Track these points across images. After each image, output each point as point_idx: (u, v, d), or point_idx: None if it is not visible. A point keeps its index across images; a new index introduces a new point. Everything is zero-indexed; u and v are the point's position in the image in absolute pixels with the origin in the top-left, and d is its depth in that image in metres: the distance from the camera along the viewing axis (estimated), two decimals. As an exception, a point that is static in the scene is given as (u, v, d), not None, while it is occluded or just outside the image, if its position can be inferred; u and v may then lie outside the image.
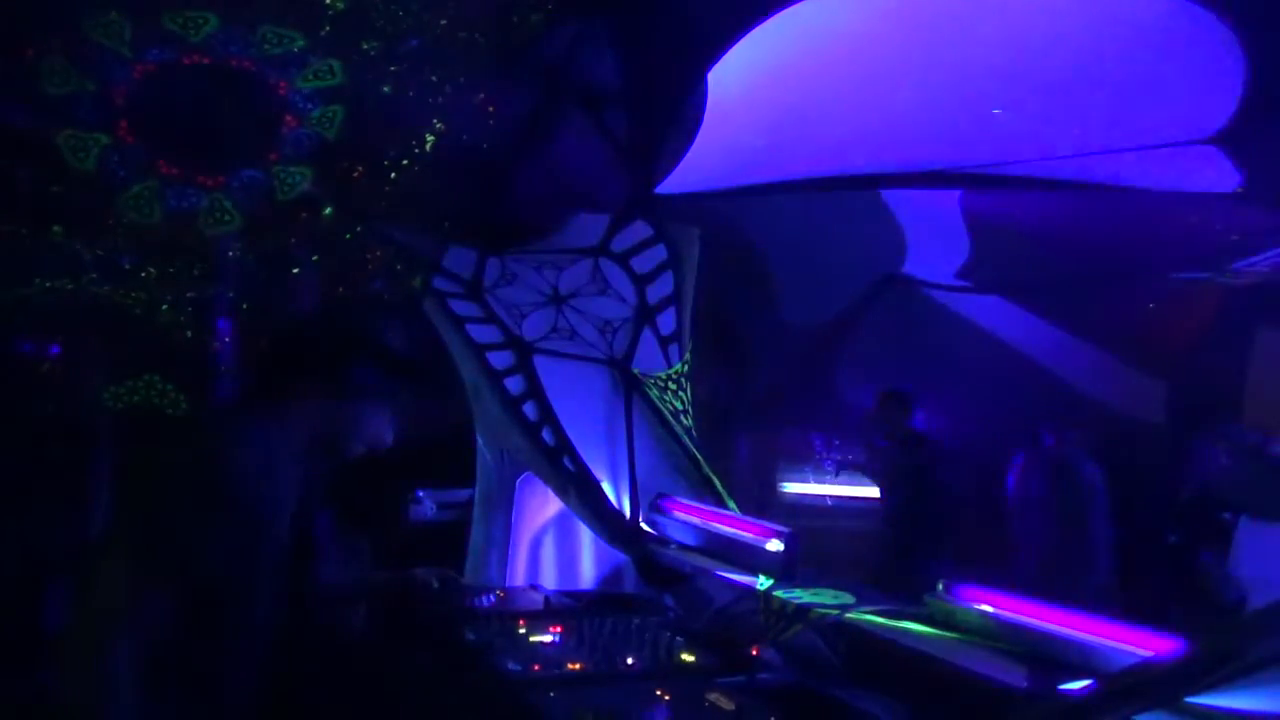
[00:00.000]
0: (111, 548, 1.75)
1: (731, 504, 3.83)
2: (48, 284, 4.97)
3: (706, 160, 4.39)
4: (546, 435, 3.83)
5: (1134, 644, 2.13)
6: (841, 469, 6.60)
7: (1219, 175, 3.97)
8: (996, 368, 5.73)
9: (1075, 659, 2.22)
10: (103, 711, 1.62)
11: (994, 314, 5.76)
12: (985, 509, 5.51)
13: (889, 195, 5.07)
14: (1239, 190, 4.05)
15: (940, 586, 2.61)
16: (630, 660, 2.57)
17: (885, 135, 4.30)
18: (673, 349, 4.25)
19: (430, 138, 5.17)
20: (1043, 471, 5.26)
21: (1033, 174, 4.33)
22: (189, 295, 5.20)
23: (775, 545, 3.11)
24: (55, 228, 4.97)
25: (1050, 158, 4.17)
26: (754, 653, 2.65)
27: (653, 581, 3.48)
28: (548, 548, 4.00)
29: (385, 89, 5.09)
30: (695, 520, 3.57)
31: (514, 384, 3.92)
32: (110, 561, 1.71)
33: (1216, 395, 5.10)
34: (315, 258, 5.30)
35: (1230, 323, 5.32)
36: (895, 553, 5.44)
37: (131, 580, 1.68)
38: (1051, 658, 2.25)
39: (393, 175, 5.22)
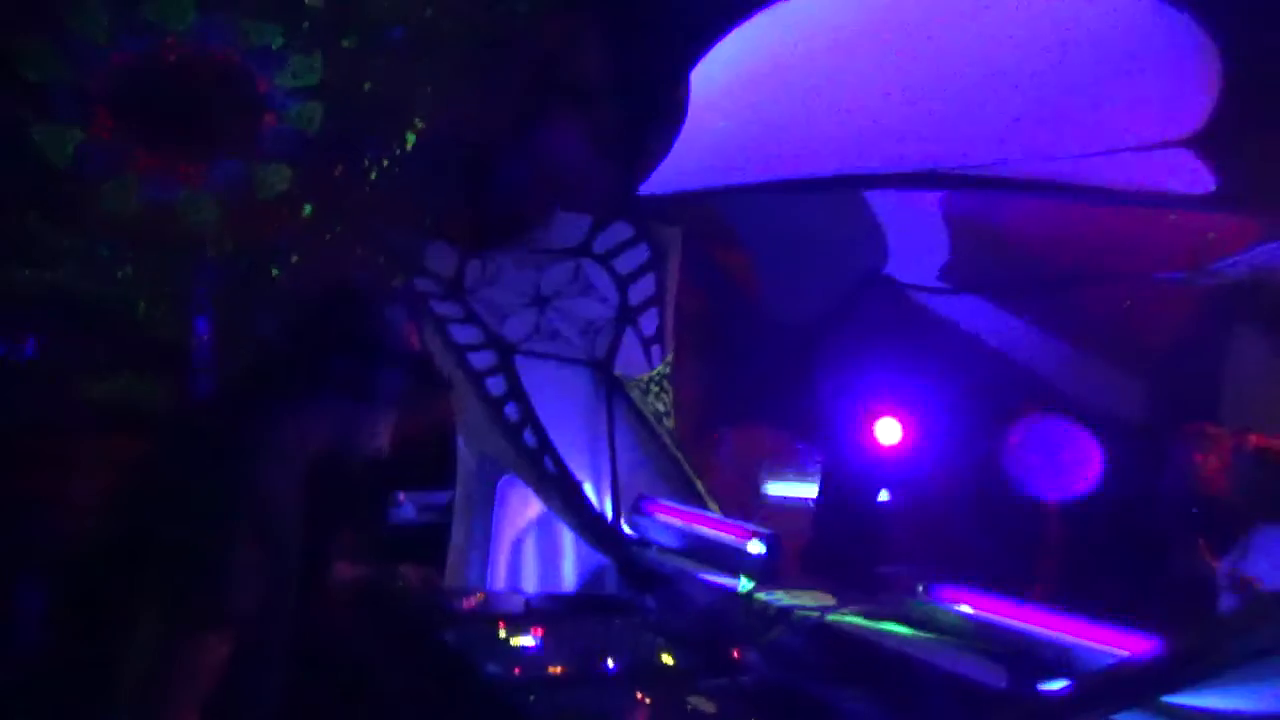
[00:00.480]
0: (117, 557, 1.68)
1: (713, 505, 3.84)
2: (22, 278, 4.91)
3: (689, 160, 4.39)
4: (528, 437, 3.82)
5: (1112, 644, 2.15)
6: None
7: (1194, 177, 4.01)
8: (977, 367, 5.76)
9: (1054, 659, 2.23)
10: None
11: (973, 314, 5.79)
12: (962, 509, 5.54)
13: (870, 196, 5.08)
14: (1213, 192, 4.08)
15: (920, 588, 2.63)
16: (611, 663, 2.57)
17: (866, 136, 4.31)
18: (655, 350, 4.24)
19: (411, 135, 5.14)
20: (1004, 468, 5.29)
21: (1011, 175, 4.36)
22: (166, 291, 5.14)
23: (757, 547, 3.11)
24: (29, 221, 4.90)
25: (1028, 159, 4.20)
26: (735, 655, 2.65)
27: (634, 584, 3.47)
28: (529, 550, 3.99)
29: (366, 85, 5.05)
30: (677, 522, 3.57)
31: (495, 385, 3.91)
32: (117, 570, 1.65)
33: (1194, 395, 5.15)
34: (295, 256, 5.25)
35: (1208, 323, 5.37)
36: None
37: (142, 589, 1.61)
38: (1031, 658, 2.27)
39: (373, 173, 5.18)
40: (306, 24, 4.91)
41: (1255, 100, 3.51)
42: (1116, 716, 1.72)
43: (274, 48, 4.88)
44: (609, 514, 3.80)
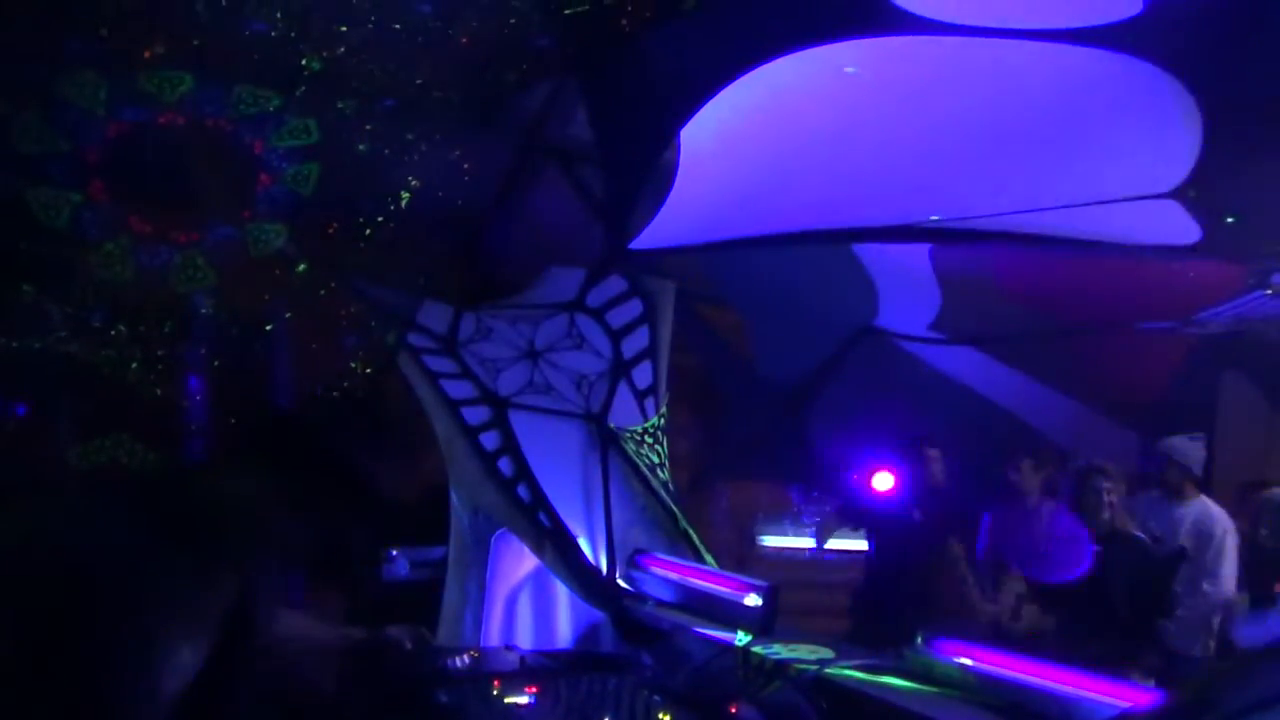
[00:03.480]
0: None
1: (709, 559, 3.81)
2: (14, 343, 4.90)
3: (680, 216, 4.45)
4: (522, 491, 3.80)
5: (1114, 696, 2.13)
6: (825, 528, 6.49)
7: (1179, 229, 4.08)
8: (969, 419, 5.77)
9: (1054, 712, 2.21)
10: None
11: (965, 365, 5.82)
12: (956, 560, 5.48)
13: (860, 249, 5.15)
14: (1199, 243, 4.15)
15: (919, 640, 2.60)
16: (608, 721, 2.53)
17: (856, 191, 4.38)
18: (649, 403, 4.25)
19: (405, 195, 5.20)
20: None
21: (1000, 228, 4.42)
22: (159, 354, 5.14)
23: (753, 600, 3.09)
24: (24, 286, 4.92)
25: (1016, 212, 4.26)
26: (733, 710, 2.61)
27: (630, 639, 3.43)
28: (523, 606, 3.95)
29: (361, 147, 5.12)
30: (673, 576, 3.55)
31: (489, 440, 3.90)
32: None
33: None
34: (289, 315, 5.27)
35: (1196, 372, 5.41)
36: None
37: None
38: (1030, 711, 2.25)
39: (368, 232, 5.23)
40: (303, 89, 5.00)
41: (1235, 153, 3.59)
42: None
43: (270, 110, 4.96)
44: (605, 568, 3.77)
